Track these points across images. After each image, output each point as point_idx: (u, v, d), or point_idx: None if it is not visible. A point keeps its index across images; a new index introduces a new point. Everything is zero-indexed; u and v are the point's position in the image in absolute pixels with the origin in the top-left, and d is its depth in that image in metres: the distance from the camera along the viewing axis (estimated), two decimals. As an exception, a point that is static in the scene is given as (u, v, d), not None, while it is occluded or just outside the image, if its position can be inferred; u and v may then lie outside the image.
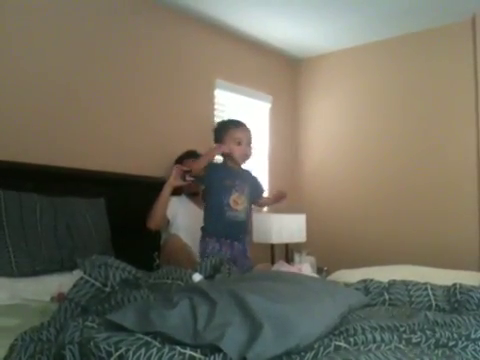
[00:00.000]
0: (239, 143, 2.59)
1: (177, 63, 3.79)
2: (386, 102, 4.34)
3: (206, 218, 2.63)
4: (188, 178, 2.95)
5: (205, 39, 4.02)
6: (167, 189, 3.03)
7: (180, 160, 3.25)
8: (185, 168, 2.97)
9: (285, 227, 3.94)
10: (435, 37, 4.07)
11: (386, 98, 4.34)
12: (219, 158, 2.73)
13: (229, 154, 2.60)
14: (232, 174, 2.60)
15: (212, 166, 2.61)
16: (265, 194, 3.01)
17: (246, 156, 2.63)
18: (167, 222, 3.11)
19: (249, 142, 2.64)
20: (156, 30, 3.65)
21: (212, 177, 2.57)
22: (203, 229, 2.61)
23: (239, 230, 2.61)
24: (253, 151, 2.71)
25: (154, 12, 3.64)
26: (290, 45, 4.54)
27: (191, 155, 3.21)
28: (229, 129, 2.62)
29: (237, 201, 2.55)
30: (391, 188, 4.23)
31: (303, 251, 3.99)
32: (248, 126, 2.69)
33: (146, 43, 3.58)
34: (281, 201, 2.90)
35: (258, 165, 4.40)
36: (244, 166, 2.73)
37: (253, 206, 2.82)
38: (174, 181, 3.01)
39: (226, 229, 2.55)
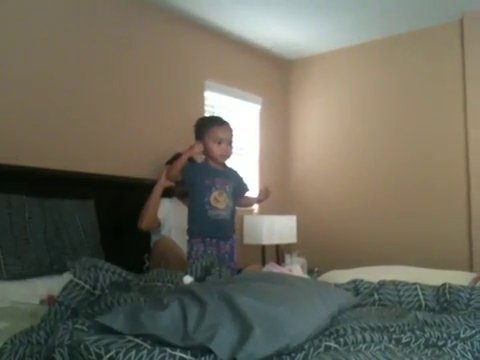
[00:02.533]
0: (219, 142, 2.53)
1: (167, 64, 3.78)
2: (376, 103, 4.36)
3: (190, 219, 2.59)
4: (167, 183, 2.95)
5: (195, 40, 4.02)
6: (158, 190, 3.02)
7: (171, 162, 3.24)
8: None
9: (276, 228, 3.95)
10: (424, 38, 4.11)
11: (376, 99, 4.37)
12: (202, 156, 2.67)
13: (207, 154, 2.56)
14: (212, 173, 2.55)
15: (192, 167, 2.57)
16: (252, 194, 2.94)
17: (226, 156, 2.59)
18: (158, 223, 3.10)
19: (230, 141, 2.58)
20: (146, 31, 3.64)
21: (193, 178, 2.53)
22: (188, 231, 2.58)
23: (223, 229, 2.55)
24: (233, 150, 2.64)
25: (144, 13, 3.63)
26: (280, 46, 4.55)
27: None
28: (211, 127, 2.55)
29: (218, 199, 2.50)
30: (381, 189, 4.25)
31: (294, 252, 4.01)
32: (230, 124, 2.62)
33: (136, 44, 3.57)
34: (264, 199, 2.83)
35: (249, 166, 4.40)
36: (231, 165, 2.70)
37: (237, 208, 2.78)
38: (165, 182, 3.00)
39: (210, 228, 2.50)
